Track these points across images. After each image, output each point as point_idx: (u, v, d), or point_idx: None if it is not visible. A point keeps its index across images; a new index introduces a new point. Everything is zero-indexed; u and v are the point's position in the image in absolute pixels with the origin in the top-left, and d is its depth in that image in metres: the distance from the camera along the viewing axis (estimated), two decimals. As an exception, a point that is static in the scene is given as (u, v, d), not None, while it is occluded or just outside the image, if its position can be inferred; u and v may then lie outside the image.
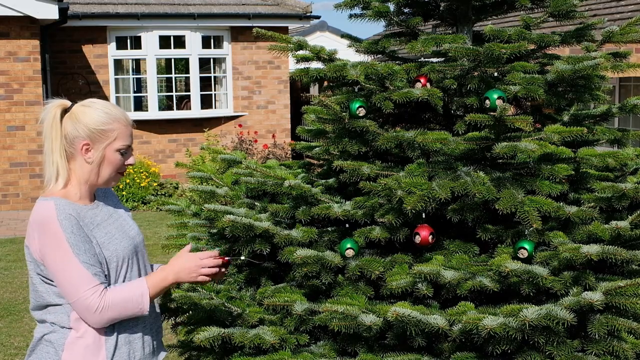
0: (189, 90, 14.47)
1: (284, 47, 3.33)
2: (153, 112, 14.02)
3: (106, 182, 2.51)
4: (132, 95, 14.68)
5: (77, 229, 2.36)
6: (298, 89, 17.53)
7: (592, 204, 2.96)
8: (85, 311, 2.35)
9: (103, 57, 13.56)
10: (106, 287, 2.39)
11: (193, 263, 2.50)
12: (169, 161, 13.93)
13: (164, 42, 13.93)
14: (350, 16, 3.46)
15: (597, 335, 2.55)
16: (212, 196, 3.66)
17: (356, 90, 3.23)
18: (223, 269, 2.58)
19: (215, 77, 14.84)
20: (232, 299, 3.13)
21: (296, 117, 15.02)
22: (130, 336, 2.47)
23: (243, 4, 14.32)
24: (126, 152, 2.50)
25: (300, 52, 3.33)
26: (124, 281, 2.47)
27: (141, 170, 12.36)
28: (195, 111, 14.19)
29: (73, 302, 2.36)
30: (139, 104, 16.26)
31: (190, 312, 3.22)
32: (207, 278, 2.52)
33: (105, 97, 13.20)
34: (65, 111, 2.47)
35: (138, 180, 12.15)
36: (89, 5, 13.42)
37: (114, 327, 2.43)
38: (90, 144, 2.43)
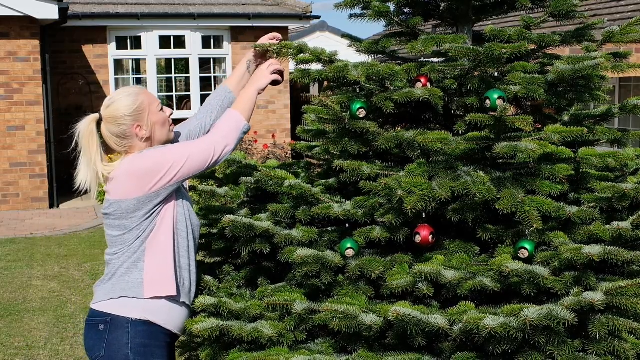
0: (189, 91, 14.47)
1: (285, 53, 3.29)
2: (153, 112, 14.01)
3: (167, 139, 2.83)
4: (132, 95, 14.66)
5: None
6: (298, 89, 17.53)
7: (593, 204, 2.96)
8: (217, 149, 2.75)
9: (103, 57, 13.56)
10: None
11: (259, 71, 3.01)
12: (169, 161, 13.91)
13: (164, 42, 13.93)
14: (351, 16, 3.45)
15: (598, 336, 2.55)
16: (212, 196, 3.66)
17: (357, 90, 3.23)
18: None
19: (215, 77, 14.84)
20: (232, 295, 3.14)
21: (296, 117, 15.01)
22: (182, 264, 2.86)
23: (243, 4, 14.32)
24: (162, 107, 2.83)
25: (301, 56, 3.31)
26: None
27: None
28: (195, 111, 14.19)
29: (207, 152, 2.72)
30: (139, 104, 16.24)
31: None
32: (277, 76, 2.99)
33: (105, 98, 13.19)
34: (99, 122, 2.75)
35: (138, 180, 12.13)
36: (89, 5, 13.42)
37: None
38: (139, 123, 2.74)
